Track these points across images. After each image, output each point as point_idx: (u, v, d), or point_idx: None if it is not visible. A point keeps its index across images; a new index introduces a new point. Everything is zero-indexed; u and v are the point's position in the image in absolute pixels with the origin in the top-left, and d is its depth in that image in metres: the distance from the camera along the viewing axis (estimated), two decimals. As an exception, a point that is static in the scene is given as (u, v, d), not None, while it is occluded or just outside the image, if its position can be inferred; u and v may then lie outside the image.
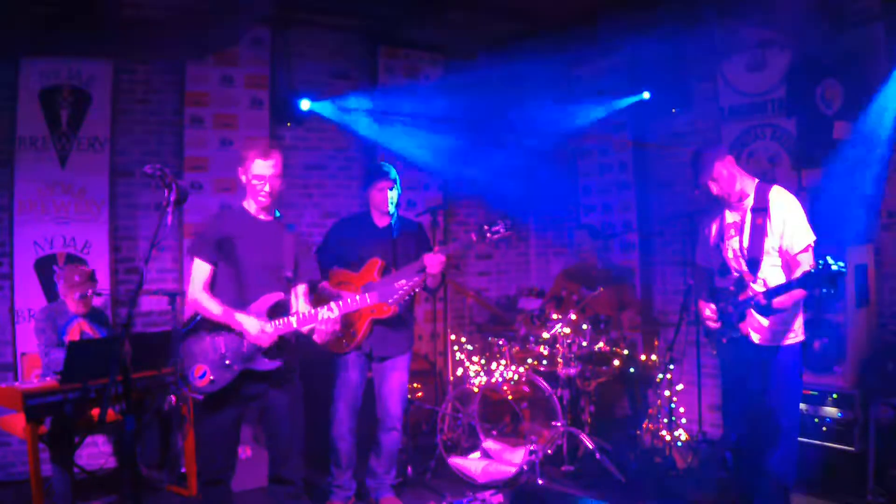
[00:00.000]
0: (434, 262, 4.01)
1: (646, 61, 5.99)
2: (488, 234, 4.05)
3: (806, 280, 3.13)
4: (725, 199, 3.59)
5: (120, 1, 4.80)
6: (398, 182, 4.33)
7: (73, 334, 4.38)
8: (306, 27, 5.96)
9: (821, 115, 4.72)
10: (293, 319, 3.35)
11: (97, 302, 4.72)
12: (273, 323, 3.32)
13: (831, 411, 4.31)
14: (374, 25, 6.18)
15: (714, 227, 3.75)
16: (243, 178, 3.43)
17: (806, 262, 3.33)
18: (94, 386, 3.94)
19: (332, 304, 3.38)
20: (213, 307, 3.32)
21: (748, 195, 3.55)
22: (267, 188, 3.38)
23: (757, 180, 3.59)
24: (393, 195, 4.26)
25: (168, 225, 2.81)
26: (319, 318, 3.35)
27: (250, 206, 3.46)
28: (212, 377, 3.28)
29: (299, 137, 5.98)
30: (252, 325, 3.28)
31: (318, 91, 5.96)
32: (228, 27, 4.93)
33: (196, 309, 3.38)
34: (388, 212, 4.30)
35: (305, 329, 3.40)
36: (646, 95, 5.82)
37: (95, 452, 4.98)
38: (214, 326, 3.33)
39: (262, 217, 3.46)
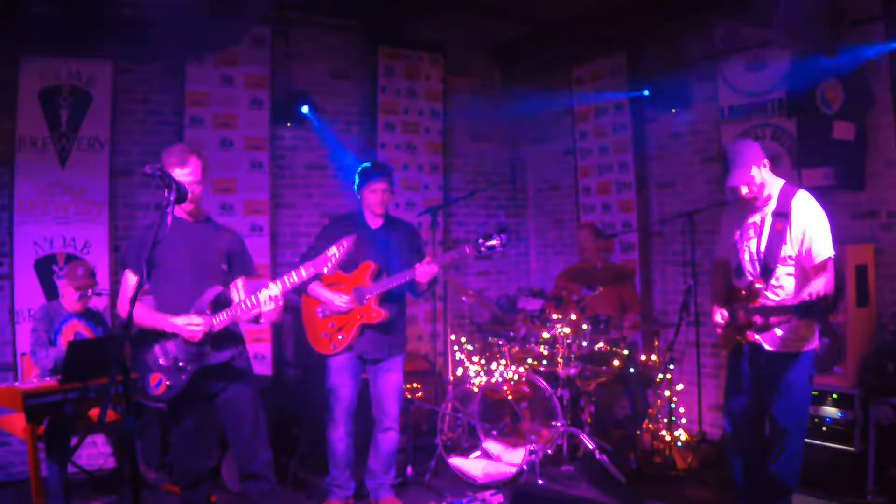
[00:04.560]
0: (425, 272, 4.00)
1: (646, 61, 6.00)
2: (483, 248, 4.05)
3: (800, 309, 3.05)
4: (751, 204, 3.44)
5: (120, 1, 4.80)
6: (393, 182, 4.30)
7: (68, 334, 4.38)
8: (306, 27, 5.96)
9: (821, 115, 4.73)
10: (237, 309, 3.38)
11: (98, 302, 4.72)
12: (217, 316, 3.34)
13: (831, 411, 4.31)
14: (374, 25, 6.19)
15: (734, 223, 3.60)
16: None
17: (817, 284, 3.19)
18: (93, 386, 3.94)
19: (272, 282, 3.38)
20: (145, 316, 3.36)
21: (772, 197, 3.41)
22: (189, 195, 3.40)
23: (783, 182, 3.44)
24: (387, 196, 4.24)
25: (168, 225, 2.82)
26: (262, 298, 3.33)
27: (178, 210, 3.48)
28: (168, 383, 3.31)
29: (299, 137, 5.98)
30: (181, 321, 3.29)
31: (318, 91, 5.96)
32: (228, 27, 4.93)
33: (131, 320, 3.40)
34: (382, 213, 4.28)
35: (251, 315, 3.40)
36: (645, 93, 5.82)
37: (95, 452, 4.98)
38: (159, 333, 3.36)
39: (190, 220, 3.49)
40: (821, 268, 3.27)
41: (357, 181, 4.30)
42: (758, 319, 3.29)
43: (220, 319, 3.36)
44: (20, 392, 3.77)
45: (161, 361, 3.34)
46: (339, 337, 4.14)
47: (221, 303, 3.43)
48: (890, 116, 4.52)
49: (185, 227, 3.47)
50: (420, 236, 4.48)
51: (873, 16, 4.55)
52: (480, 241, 4.03)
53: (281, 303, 3.39)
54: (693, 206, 5.18)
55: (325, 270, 3.43)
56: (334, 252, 3.43)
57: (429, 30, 6.23)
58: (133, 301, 2.76)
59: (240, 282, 3.61)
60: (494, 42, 6.67)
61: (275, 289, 3.36)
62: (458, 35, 6.41)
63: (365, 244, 4.16)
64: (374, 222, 4.30)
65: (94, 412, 4.17)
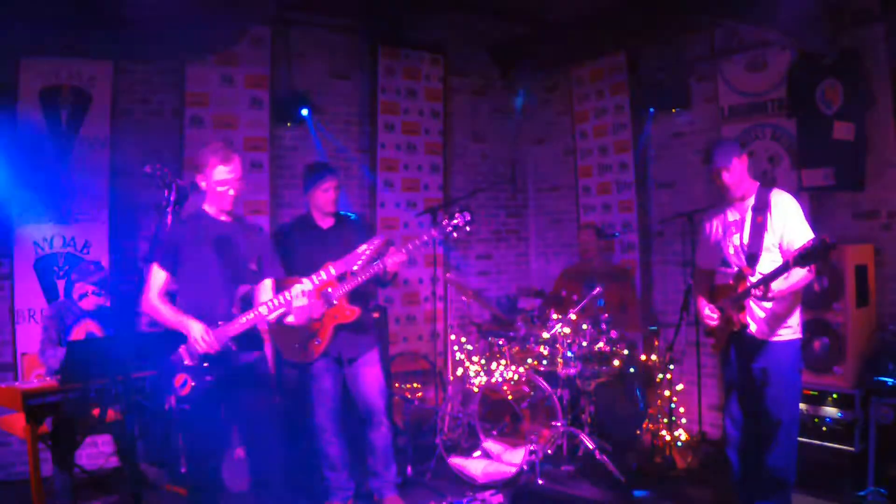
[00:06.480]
0: (394, 262, 3.99)
1: (646, 61, 6.00)
2: (448, 229, 4.03)
3: (799, 257, 3.19)
4: (730, 192, 3.69)
5: (120, 1, 4.80)
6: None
7: (79, 333, 4.37)
8: (306, 27, 5.97)
9: (821, 115, 4.73)
10: (263, 309, 3.33)
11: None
12: (241, 318, 3.30)
13: (831, 411, 4.31)
14: (374, 25, 6.19)
15: (715, 226, 3.84)
16: (203, 185, 3.42)
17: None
18: (94, 386, 3.93)
19: (304, 279, 3.35)
20: (168, 314, 3.33)
21: (750, 196, 3.68)
22: (231, 192, 3.40)
23: (759, 184, 3.73)
24: (337, 195, 4.23)
25: (168, 225, 2.81)
26: (292, 294, 3.28)
27: (210, 208, 3.46)
28: (193, 383, 3.28)
29: (299, 137, 5.98)
30: (196, 330, 3.24)
31: (318, 91, 5.96)
32: (228, 27, 4.94)
33: (153, 316, 3.39)
34: (333, 212, 4.27)
35: (274, 316, 3.36)
36: (651, 110, 5.84)
37: (95, 452, 4.98)
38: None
39: (222, 218, 3.48)
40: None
41: (306, 182, 4.26)
42: (758, 290, 3.40)
43: (244, 321, 3.29)
44: (20, 392, 3.77)
45: (186, 362, 3.30)
46: (316, 342, 4.12)
47: (248, 303, 3.39)
48: (890, 116, 4.52)
49: (218, 226, 3.44)
50: (367, 226, 4.46)
51: (873, 16, 4.55)
52: (444, 222, 4.03)
53: (313, 299, 3.36)
54: (693, 206, 5.18)
55: (355, 269, 3.41)
56: (364, 249, 3.40)
57: (429, 30, 6.22)
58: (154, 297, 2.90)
59: (268, 282, 3.54)
60: (494, 42, 6.67)
61: (308, 284, 3.33)
62: (458, 35, 6.41)
63: (320, 246, 4.13)
64: (325, 222, 4.28)
65: (94, 412, 4.17)
